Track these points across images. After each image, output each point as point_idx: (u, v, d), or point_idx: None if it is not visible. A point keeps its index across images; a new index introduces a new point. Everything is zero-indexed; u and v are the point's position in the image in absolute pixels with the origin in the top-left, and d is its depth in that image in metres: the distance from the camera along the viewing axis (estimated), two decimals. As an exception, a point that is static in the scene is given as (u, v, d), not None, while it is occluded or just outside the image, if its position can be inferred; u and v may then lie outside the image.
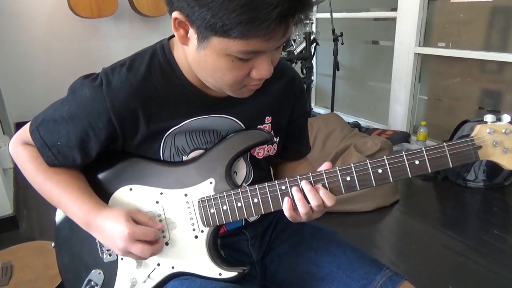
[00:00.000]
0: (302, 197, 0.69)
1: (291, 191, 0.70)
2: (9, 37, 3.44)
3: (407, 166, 0.66)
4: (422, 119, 3.09)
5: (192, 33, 0.63)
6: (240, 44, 0.59)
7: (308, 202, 0.69)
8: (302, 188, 0.69)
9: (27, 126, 0.78)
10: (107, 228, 0.71)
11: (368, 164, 0.67)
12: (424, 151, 0.65)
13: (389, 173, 0.67)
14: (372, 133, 3.14)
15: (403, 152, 0.66)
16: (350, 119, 3.61)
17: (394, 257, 1.84)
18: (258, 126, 0.81)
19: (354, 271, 0.80)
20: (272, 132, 0.83)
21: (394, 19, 3.10)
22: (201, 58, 0.65)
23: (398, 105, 3.20)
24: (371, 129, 3.31)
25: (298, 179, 0.70)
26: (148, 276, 0.77)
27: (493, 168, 2.34)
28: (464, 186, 2.42)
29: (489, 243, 1.89)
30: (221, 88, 0.69)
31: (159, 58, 0.73)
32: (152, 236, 0.72)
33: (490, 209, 2.22)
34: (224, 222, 0.74)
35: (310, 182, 0.69)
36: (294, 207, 0.70)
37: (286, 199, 0.70)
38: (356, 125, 3.37)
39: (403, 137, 3.08)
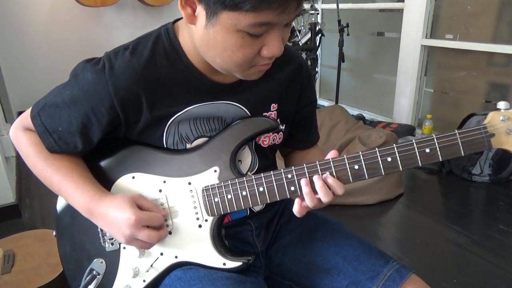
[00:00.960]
0: (310, 191, 0.67)
1: (299, 184, 0.68)
2: (13, 25, 3.42)
3: (417, 154, 0.64)
4: (427, 112, 3.06)
5: (200, 10, 0.61)
6: (251, 17, 0.57)
7: (316, 193, 0.67)
8: (312, 182, 0.67)
9: (29, 111, 0.76)
10: (112, 215, 0.69)
11: (377, 152, 0.65)
12: (435, 139, 0.63)
13: (399, 161, 0.65)
14: (376, 125, 3.11)
15: (413, 140, 0.64)
16: (354, 111, 3.59)
17: (397, 250, 1.83)
18: (264, 114, 0.79)
19: (361, 263, 0.79)
20: (278, 120, 0.81)
21: (399, 10, 3.06)
22: (210, 37, 0.62)
23: (403, 98, 3.17)
24: (376, 122, 3.29)
25: (305, 168, 0.68)
26: (151, 265, 0.76)
27: (500, 162, 2.31)
28: (469, 180, 2.40)
29: (494, 238, 1.87)
30: (230, 69, 0.67)
31: (163, 42, 0.71)
32: (159, 221, 0.70)
33: (495, 204, 2.20)
34: (229, 211, 0.72)
35: (322, 178, 0.67)
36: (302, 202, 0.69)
37: (297, 200, 0.69)
38: (360, 118, 3.34)
39: (408, 130, 3.05)
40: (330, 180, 0.66)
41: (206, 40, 0.63)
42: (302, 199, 0.69)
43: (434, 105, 3.11)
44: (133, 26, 3.84)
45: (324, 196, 0.66)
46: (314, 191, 0.67)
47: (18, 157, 2.49)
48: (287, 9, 0.57)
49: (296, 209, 0.69)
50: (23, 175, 2.46)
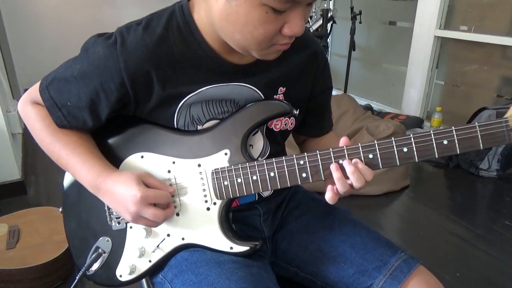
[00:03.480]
0: (342, 176, 0.65)
1: (311, 171, 0.66)
2: (20, 3, 3.39)
3: (435, 146, 0.62)
4: (437, 104, 3.02)
5: None
6: None
7: (347, 178, 0.65)
8: (343, 166, 0.65)
9: (37, 85, 0.75)
10: (118, 192, 0.68)
11: (393, 142, 0.64)
12: (454, 131, 0.61)
13: (415, 152, 0.63)
14: (384, 116, 3.08)
15: (431, 131, 0.63)
16: (362, 101, 3.55)
17: (401, 242, 1.82)
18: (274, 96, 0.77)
19: (368, 252, 0.78)
20: None
21: (414, 0, 3.00)
22: (231, 10, 0.60)
23: (413, 89, 3.13)
24: (384, 113, 3.26)
25: (318, 154, 0.66)
26: (157, 246, 0.75)
27: (508, 158, 2.29)
28: (476, 175, 2.38)
29: (498, 233, 1.86)
30: (248, 47, 0.64)
31: (177, 19, 0.69)
32: (165, 199, 0.69)
33: (501, 199, 2.19)
34: (238, 195, 0.71)
35: (352, 163, 0.64)
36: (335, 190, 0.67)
37: (329, 186, 0.67)
38: (368, 108, 3.31)
39: (416, 122, 3.02)
40: (360, 165, 0.64)
41: (227, 13, 0.61)
42: (333, 184, 0.67)
43: (444, 97, 3.07)
44: (141, 6, 3.81)
45: (356, 181, 0.64)
46: (346, 177, 0.65)
47: (25, 134, 2.50)
48: None
49: (329, 196, 0.67)
50: (29, 152, 2.47)
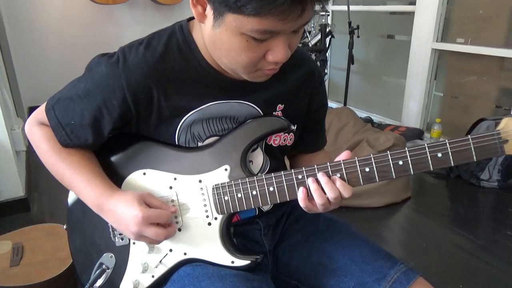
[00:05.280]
0: (318, 187, 0.67)
1: (307, 181, 0.68)
2: (25, 22, 3.45)
3: (429, 158, 0.64)
4: (436, 116, 3.04)
5: (209, 10, 0.61)
6: (254, 22, 0.57)
7: (325, 193, 0.67)
8: (318, 180, 0.67)
9: (44, 105, 0.77)
10: (120, 212, 0.70)
11: (389, 155, 0.65)
12: (448, 144, 0.63)
13: (410, 165, 0.65)
14: (384, 128, 3.10)
15: (425, 144, 0.64)
16: (362, 114, 3.58)
17: (403, 254, 1.82)
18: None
19: (367, 265, 0.79)
20: None
21: (410, 13, 3.05)
22: (216, 37, 0.63)
23: (413, 101, 3.15)
24: (384, 125, 3.27)
25: (316, 169, 0.68)
26: (160, 261, 0.76)
27: (509, 168, 2.29)
28: (477, 186, 2.39)
29: (501, 244, 1.86)
30: (236, 70, 0.67)
31: (177, 38, 0.72)
32: (166, 219, 0.71)
33: (503, 210, 2.19)
34: (238, 210, 0.73)
35: (327, 174, 0.67)
36: (309, 197, 0.69)
37: (301, 189, 0.68)
38: (368, 120, 3.33)
39: (416, 134, 3.03)
40: (338, 182, 0.66)
41: (213, 39, 0.64)
42: (310, 197, 0.69)
43: (443, 109, 3.09)
44: (144, 24, 3.87)
45: (330, 192, 0.66)
46: (323, 190, 0.67)
47: (28, 152, 2.53)
48: (290, 16, 0.56)
49: (302, 204, 0.69)
50: (33, 170, 2.48)
